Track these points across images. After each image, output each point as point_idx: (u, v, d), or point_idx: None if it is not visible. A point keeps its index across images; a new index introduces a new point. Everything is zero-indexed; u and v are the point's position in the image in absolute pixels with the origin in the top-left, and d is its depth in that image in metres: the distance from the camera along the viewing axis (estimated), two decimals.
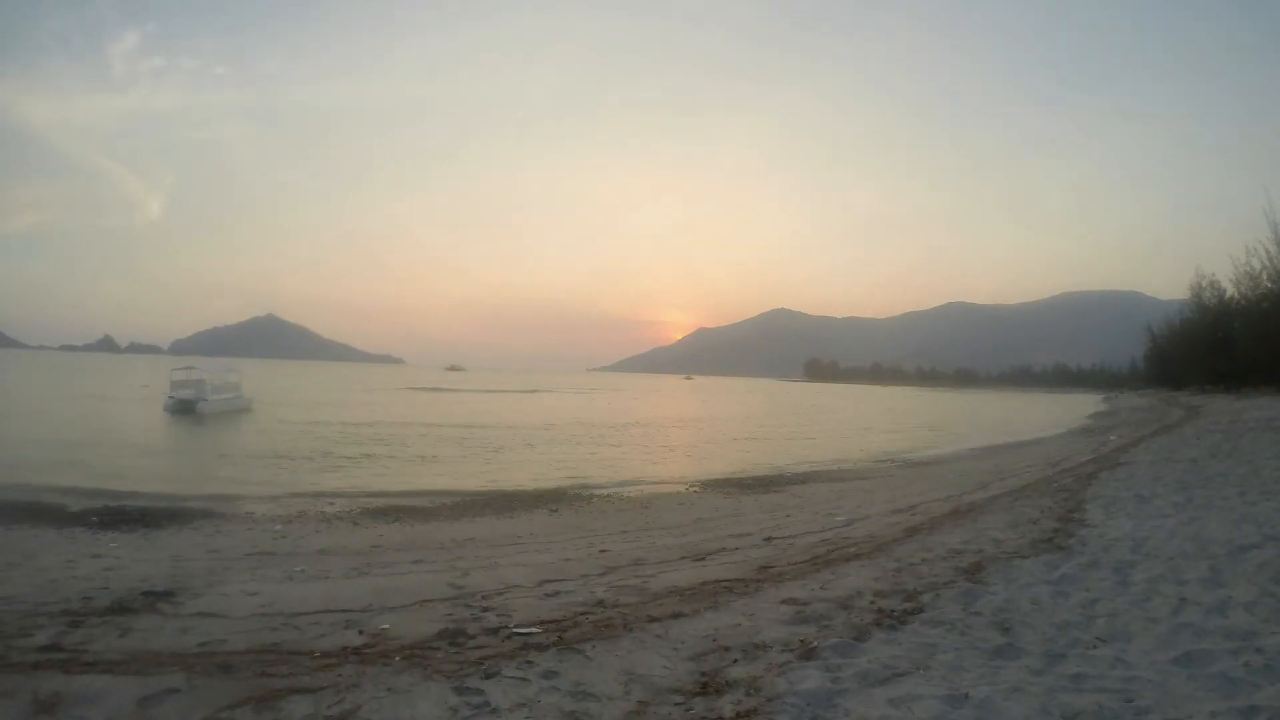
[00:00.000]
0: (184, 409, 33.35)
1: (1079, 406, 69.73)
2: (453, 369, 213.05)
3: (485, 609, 5.42)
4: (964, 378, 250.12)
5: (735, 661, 3.96)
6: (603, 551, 8.32)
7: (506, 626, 4.88)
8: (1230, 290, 44.80)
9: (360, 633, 4.82)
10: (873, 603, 4.94)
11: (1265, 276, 35.83)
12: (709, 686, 3.63)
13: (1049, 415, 55.46)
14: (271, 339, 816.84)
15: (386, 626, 4.94)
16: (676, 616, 4.89)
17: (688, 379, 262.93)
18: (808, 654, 3.93)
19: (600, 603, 5.53)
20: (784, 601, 5.13)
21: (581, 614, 5.17)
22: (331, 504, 13.03)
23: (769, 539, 8.70)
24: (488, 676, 3.74)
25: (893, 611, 4.66)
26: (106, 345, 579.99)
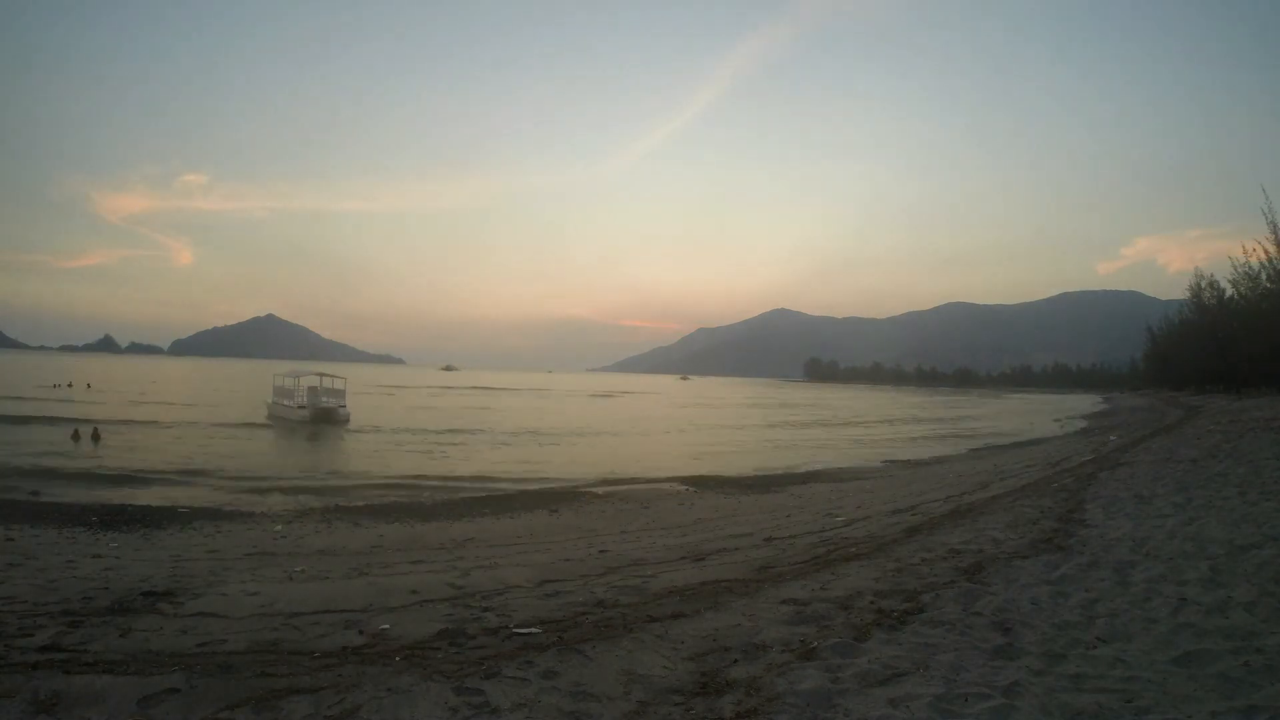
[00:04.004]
0: (325, 418, 31.61)
1: (1077, 407, 69.59)
2: (447, 369, 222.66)
3: (485, 609, 5.41)
4: (964, 378, 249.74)
5: (735, 661, 3.95)
6: (603, 552, 8.32)
7: (506, 626, 4.87)
8: (1230, 290, 44.68)
9: (360, 633, 4.81)
10: (873, 603, 4.93)
11: (1264, 276, 35.70)
12: (709, 686, 3.63)
13: (1029, 417, 54.52)
14: (271, 339, 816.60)
15: (386, 626, 4.94)
16: (676, 617, 4.88)
17: (683, 379, 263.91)
18: (808, 654, 3.93)
19: (600, 603, 5.52)
20: (784, 601, 5.13)
21: (581, 614, 5.17)
22: (347, 502, 13.03)
23: (769, 539, 8.70)
24: (488, 676, 3.73)
25: (893, 611, 4.65)
26: (107, 345, 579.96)
